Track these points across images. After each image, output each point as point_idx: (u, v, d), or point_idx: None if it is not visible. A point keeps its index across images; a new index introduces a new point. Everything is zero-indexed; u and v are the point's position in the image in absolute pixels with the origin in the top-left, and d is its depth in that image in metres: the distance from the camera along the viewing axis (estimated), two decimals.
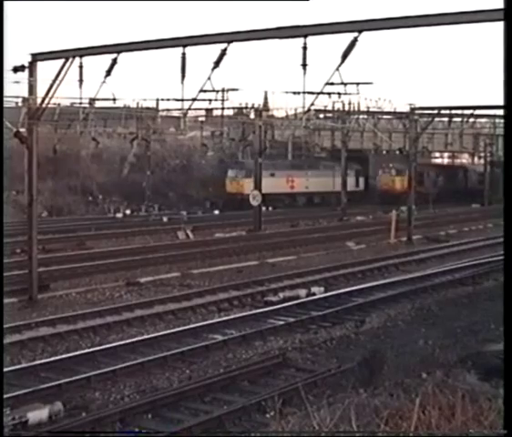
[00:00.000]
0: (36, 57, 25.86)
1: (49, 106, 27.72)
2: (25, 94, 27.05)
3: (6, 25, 11.68)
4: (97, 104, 38.53)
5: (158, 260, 34.91)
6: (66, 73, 25.13)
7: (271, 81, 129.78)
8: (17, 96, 42.02)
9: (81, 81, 25.09)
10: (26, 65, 25.77)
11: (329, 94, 28.90)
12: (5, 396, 15.61)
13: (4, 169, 11.78)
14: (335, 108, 63.10)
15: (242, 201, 59.07)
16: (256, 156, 51.50)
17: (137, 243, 41.97)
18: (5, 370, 17.73)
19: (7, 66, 25.94)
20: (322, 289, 28.32)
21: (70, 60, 24.98)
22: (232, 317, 23.98)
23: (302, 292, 27.46)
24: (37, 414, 14.51)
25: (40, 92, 26.01)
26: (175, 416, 15.18)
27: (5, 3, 11.76)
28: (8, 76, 26.00)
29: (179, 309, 24.97)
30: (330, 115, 67.41)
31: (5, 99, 37.37)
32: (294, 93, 35.42)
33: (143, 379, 17.55)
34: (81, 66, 25.01)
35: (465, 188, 76.75)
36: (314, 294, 27.42)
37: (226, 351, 20.02)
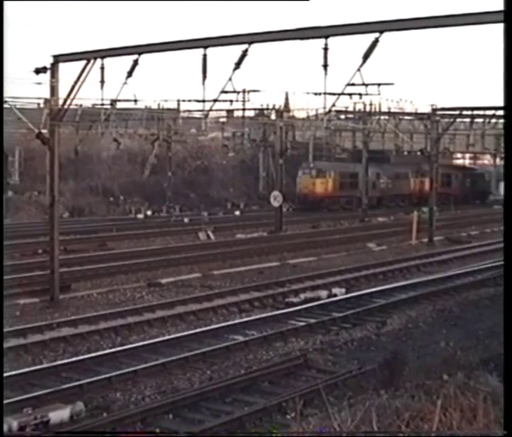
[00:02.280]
0: (58, 59, 25.96)
1: (71, 107, 27.81)
2: (47, 95, 27.15)
3: (6, 25, 11.69)
4: (119, 105, 38.65)
5: (180, 261, 34.97)
6: (87, 74, 25.24)
7: (292, 82, 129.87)
8: (39, 98, 42.27)
9: (102, 82, 25.16)
10: (48, 66, 25.91)
11: (350, 95, 28.76)
12: (27, 396, 15.73)
13: (3, 170, 11.73)
14: (356, 109, 63.02)
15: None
16: (277, 157, 51.51)
17: (158, 244, 42.09)
18: (27, 369, 17.89)
19: (30, 67, 26.17)
20: (343, 290, 28.26)
21: (92, 61, 25.09)
22: (253, 318, 23.97)
23: (323, 293, 27.42)
24: (59, 414, 14.54)
25: (62, 93, 26.14)
26: (196, 417, 15.18)
27: (14, 4, 11.82)
28: (30, 77, 26.20)
29: (200, 310, 25.00)
30: (351, 116, 67.28)
31: (27, 100, 37.64)
32: (315, 94, 35.35)
33: (164, 379, 17.56)
34: (103, 68, 25.08)
35: (487, 189, 76.19)
36: (335, 295, 27.36)
37: (247, 352, 20.01)
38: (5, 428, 13.76)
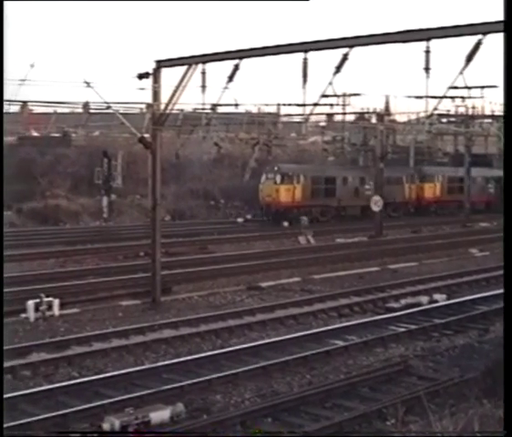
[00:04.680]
0: (161, 64, 26.34)
1: (172, 111, 28.16)
2: (150, 100, 27.57)
3: (7, 25, 11.85)
4: (220, 109, 39.04)
5: (280, 265, 35.02)
6: (189, 79, 25.53)
7: (393, 85, 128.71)
8: (141, 103, 42.95)
9: (204, 87, 25.43)
10: (151, 72, 26.32)
11: (452, 98, 28.38)
12: (129, 396, 15.97)
13: (3, 169, 11.84)
14: (458, 112, 62.02)
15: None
16: (378, 161, 51.13)
17: (258, 248, 42.23)
18: (130, 370, 18.17)
19: (133, 72, 26.62)
20: (444, 296, 27.83)
21: (193, 67, 25.36)
22: (353, 323, 23.82)
23: (424, 299, 27.05)
24: (159, 415, 14.71)
25: (164, 98, 26.51)
26: (295, 421, 15.14)
27: (16, 4, 12.00)
28: (133, 82, 26.66)
29: (300, 314, 24.99)
30: (453, 119, 66.28)
31: (130, 105, 38.30)
32: (417, 97, 35.06)
33: (264, 382, 17.58)
34: (204, 73, 25.35)
35: None
36: (437, 301, 26.97)
37: (347, 357, 19.89)
38: (108, 426, 14.03)
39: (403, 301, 26.73)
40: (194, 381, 17.19)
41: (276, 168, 56.35)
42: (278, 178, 55.23)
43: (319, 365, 19.12)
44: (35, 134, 73.37)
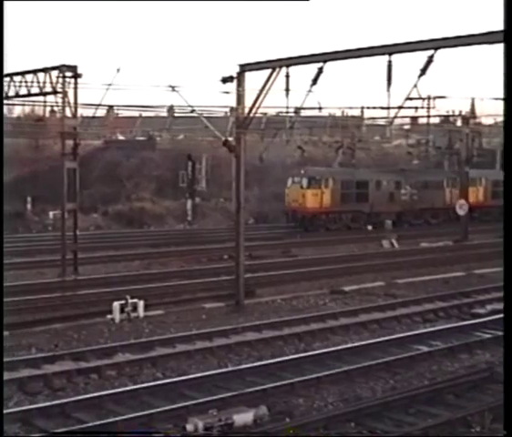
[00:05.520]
0: (244, 68, 26.45)
1: (256, 115, 28.24)
2: (234, 104, 27.70)
3: (6, 25, 11.91)
4: (303, 112, 38.92)
5: (363, 269, 34.86)
6: (272, 83, 25.56)
7: (478, 87, 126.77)
8: (225, 106, 43.21)
9: (287, 90, 25.39)
10: (235, 75, 26.44)
11: None
12: (212, 397, 16.05)
13: (3, 170, 11.94)
14: None
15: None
16: (463, 164, 50.43)
17: (342, 251, 42.09)
18: (213, 372, 18.27)
19: (217, 76, 26.78)
20: None
21: (277, 70, 25.38)
22: (438, 328, 23.54)
23: None
24: (242, 417, 14.72)
25: (248, 102, 26.61)
26: (378, 426, 14.99)
27: (16, 4, 12.08)
28: (217, 86, 26.82)
29: (383, 319, 24.82)
30: None
31: (214, 109, 38.50)
32: (504, 99, 34.23)
33: (347, 387, 17.48)
34: (287, 76, 25.32)
35: None
36: None
37: (431, 363, 19.65)
38: (191, 427, 14.11)
39: (489, 307, 26.31)
40: (277, 384, 17.17)
41: (303, 172, 53.85)
42: (304, 182, 52.74)
43: (403, 370, 18.92)
44: (120, 137, 74.49)
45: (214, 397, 16.14)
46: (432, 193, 57.62)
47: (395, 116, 29.08)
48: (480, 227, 53.92)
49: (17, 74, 33.00)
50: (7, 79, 33.39)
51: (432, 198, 57.24)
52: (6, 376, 17.75)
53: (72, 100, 32.17)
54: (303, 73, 25.75)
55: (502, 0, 9.86)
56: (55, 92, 32.00)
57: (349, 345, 21.38)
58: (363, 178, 55.00)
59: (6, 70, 33.38)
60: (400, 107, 25.51)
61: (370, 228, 53.07)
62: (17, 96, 33.36)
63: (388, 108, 25.61)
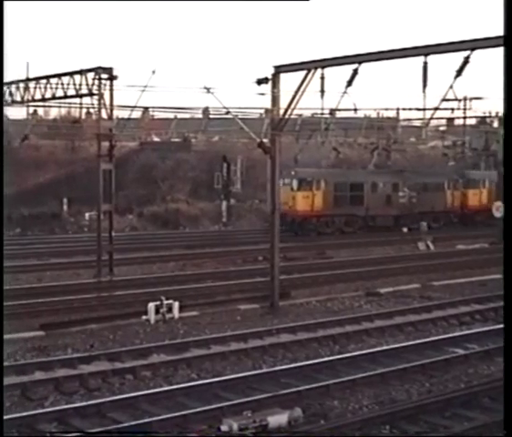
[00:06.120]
0: (279, 69, 26.44)
1: (291, 116, 28.21)
2: (269, 105, 27.69)
3: (6, 25, 11.91)
4: (338, 114, 38.86)
5: (398, 271, 34.70)
6: (307, 84, 25.53)
7: None
8: (260, 108, 43.22)
9: (322, 92, 25.34)
10: (270, 77, 26.44)
11: None
12: (247, 399, 16.05)
13: (3, 170, 11.79)
14: None
15: None
16: (500, 166, 50.04)
17: (377, 253, 41.96)
18: (248, 373, 18.27)
19: (252, 78, 26.79)
20: None
21: (312, 71, 25.34)
22: (474, 331, 23.36)
23: None
24: (277, 419, 14.71)
25: (283, 103, 26.60)
26: (413, 429, 14.90)
27: (52, 6, 12.06)
28: (252, 87, 26.82)
29: (419, 321, 24.67)
30: None
31: (249, 110, 38.54)
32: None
33: (382, 390, 17.39)
34: (323, 77, 25.27)
35: None
36: None
37: (467, 366, 19.50)
38: (226, 429, 14.13)
39: None
40: (312, 386, 17.13)
41: (293, 173, 50.97)
42: (295, 184, 50.41)
43: (438, 373, 18.80)
44: (156, 139, 74.82)
45: (249, 398, 16.13)
46: (432, 196, 55.96)
47: (431, 118, 28.90)
48: None
49: (54, 76, 33.27)
50: (44, 81, 33.69)
51: (432, 201, 55.49)
52: (42, 376, 17.95)
53: (108, 102, 32.35)
54: (338, 74, 25.71)
55: None
56: (91, 94, 32.21)
57: (384, 347, 21.27)
58: (358, 180, 53.23)
59: (44, 73, 33.73)
60: (436, 109, 25.35)
61: (405, 230, 52.78)
62: (54, 98, 33.62)
63: (424, 110, 25.46)
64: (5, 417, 14.79)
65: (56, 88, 32.99)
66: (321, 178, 51.23)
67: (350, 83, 24.73)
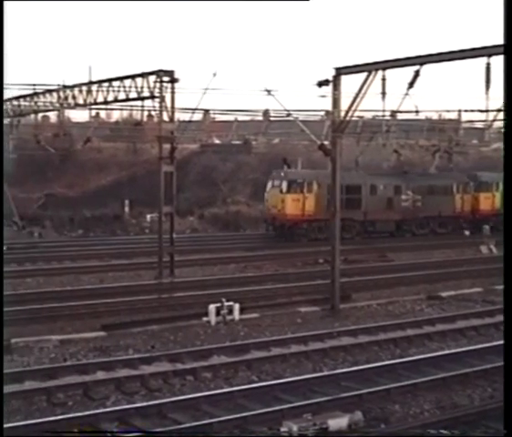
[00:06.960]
0: (340, 71, 26.38)
1: (352, 118, 28.11)
2: (329, 107, 27.62)
3: (6, 24, 11.94)
4: (400, 116, 38.61)
5: (460, 275, 34.38)
6: (369, 86, 25.42)
7: None
8: (321, 110, 43.13)
9: (384, 93, 25.21)
10: (331, 79, 26.39)
11: None
12: (307, 402, 16.02)
13: (3, 169, 11.76)
14: None
15: None
16: None
17: (438, 256, 41.56)
18: (308, 376, 18.23)
19: (313, 80, 26.78)
20: None
21: (373, 73, 25.22)
22: None
23: None
24: (337, 422, 14.67)
25: (343, 105, 26.51)
26: (475, 435, 14.73)
27: (16, 4, 12.11)
28: (313, 90, 26.80)
29: (481, 326, 24.39)
30: None
31: (310, 113, 38.56)
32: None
33: (443, 394, 17.22)
34: (384, 79, 25.13)
35: None
36: None
37: None
38: (286, 431, 14.12)
39: None
40: (372, 389, 17.05)
41: (283, 174, 48.08)
42: (284, 186, 47.21)
43: (501, 379, 18.52)
44: (216, 141, 75.10)
45: (309, 401, 16.11)
46: (439, 199, 52.80)
47: (494, 120, 28.55)
48: None
49: (116, 79, 33.67)
50: (106, 84, 34.11)
51: (439, 205, 52.43)
52: (104, 376, 18.15)
53: (169, 104, 32.61)
54: (400, 76, 25.55)
55: None
56: (152, 97, 32.51)
57: (446, 352, 21.08)
58: (355, 182, 49.28)
59: (106, 76, 34.13)
60: (499, 110, 25.04)
61: (467, 233, 52.14)
62: (116, 100, 34.01)
63: (487, 111, 25.16)
64: (66, 416, 15.09)
65: (119, 91, 33.39)
66: (313, 180, 48.01)
67: (411, 84, 24.56)
